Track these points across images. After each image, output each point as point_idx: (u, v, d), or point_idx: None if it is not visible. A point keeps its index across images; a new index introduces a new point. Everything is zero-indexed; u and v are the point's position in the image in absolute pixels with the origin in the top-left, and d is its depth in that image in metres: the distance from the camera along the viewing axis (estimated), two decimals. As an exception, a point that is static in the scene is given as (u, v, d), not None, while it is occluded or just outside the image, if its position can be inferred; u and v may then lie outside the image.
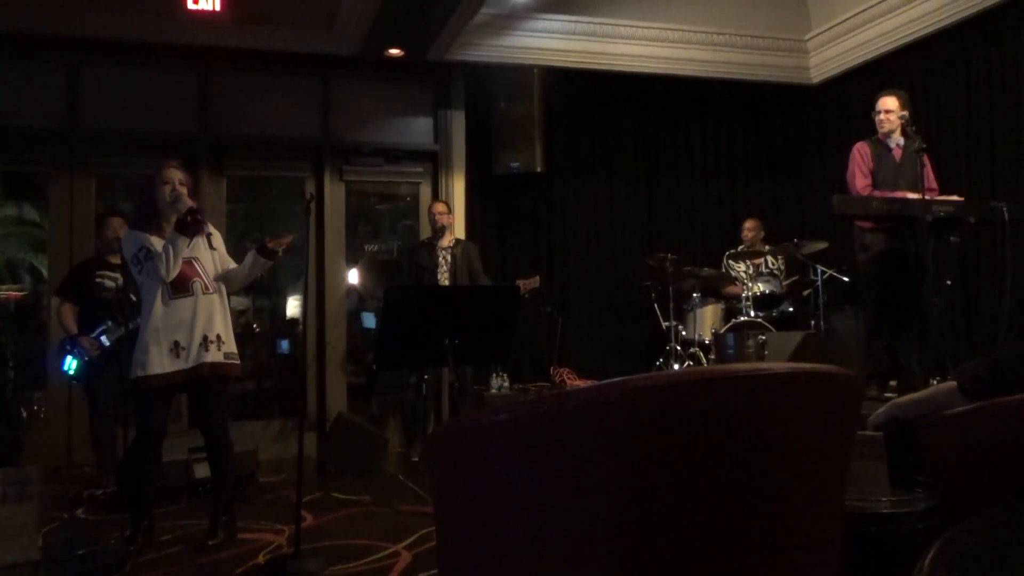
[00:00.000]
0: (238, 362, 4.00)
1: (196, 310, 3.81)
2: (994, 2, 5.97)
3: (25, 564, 1.76)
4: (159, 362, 3.74)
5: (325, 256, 6.96)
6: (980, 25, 6.25)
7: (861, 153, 5.27)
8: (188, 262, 3.83)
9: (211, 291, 3.89)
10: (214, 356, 3.83)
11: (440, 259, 6.12)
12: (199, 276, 3.86)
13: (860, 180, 5.20)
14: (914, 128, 5.23)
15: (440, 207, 6.31)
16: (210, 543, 3.85)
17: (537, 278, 6.12)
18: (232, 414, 5.40)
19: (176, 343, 3.76)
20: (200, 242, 3.91)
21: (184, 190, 3.85)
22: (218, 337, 3.87)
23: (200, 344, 3.80)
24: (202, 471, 4.83)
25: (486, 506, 1.53)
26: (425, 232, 6.72)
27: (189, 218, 3.75)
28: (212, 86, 6.77)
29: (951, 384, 2.11)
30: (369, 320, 7.13)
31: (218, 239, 4.06)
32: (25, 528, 1.78)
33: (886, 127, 5.25)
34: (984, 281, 6.05)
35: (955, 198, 5.06)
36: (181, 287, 3.80)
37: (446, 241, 6.18)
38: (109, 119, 6.47)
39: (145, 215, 3.90)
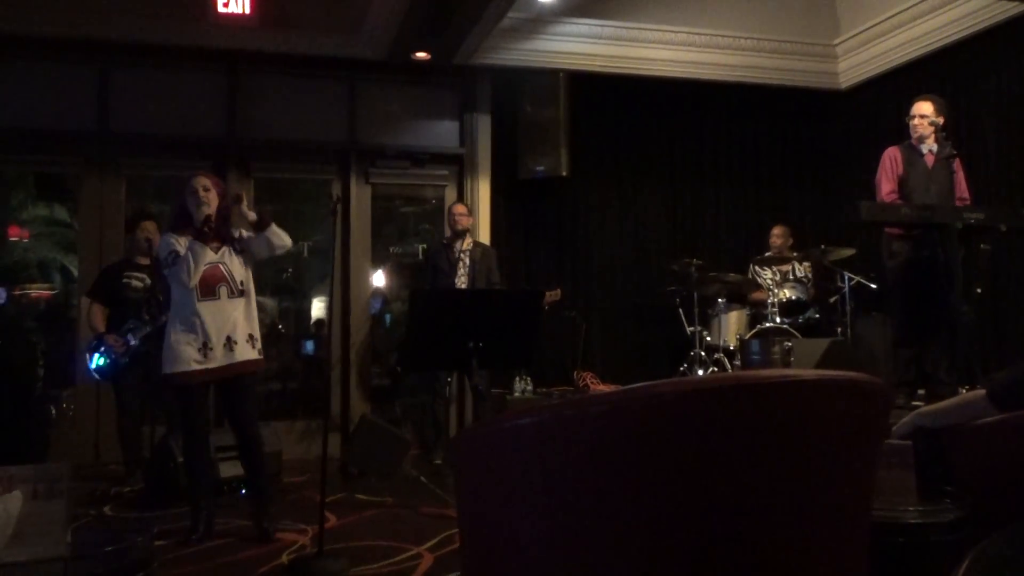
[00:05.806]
0: (256, 358, 4.08)
1: (221, 313, 3.95)
2: (1026, 7, 5.90)
3: (53, 560, 1.78)
4: (186, 360, 3.89)
5: (350, 258, 6.99)
6: (1012, 31, 6.16)
7: (891, 158, 5.18)
8: (215, 267, 3.98)
9: (236, 295, 4.01)
10: (237, 356, 3.98)
11: (457, 261, 6.13)
12: (225, 280, 3.99)
13: (885, 186, 5.13)
14: (944, 135, 5.15)
15: (460, 209, 6.31)
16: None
17: (559, 291, 6.14)
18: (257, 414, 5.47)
19: (204, 343, 3.92)
20: (228, 248, 4.04)
21: (209, 196, 3.98)
22: (242, 338, 4.01)
23: (224, 345, 3.95)
24: (227, 470, 4.86)
25: (509, 509, 1.53)
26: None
27: (205, 227, 3.92)
28: (240, 89, 6.82)
29: (979, 393, 2.08)
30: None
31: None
32: (53, 524, 1.80)
33: (919, 132, 5.15)
34: (1015, 289, 5.96)
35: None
36: (207, 291, 3.94)
37: (464, 243, 6.19)
38: (139, 121, 6.54)
39: (179, 219, 4.06)
